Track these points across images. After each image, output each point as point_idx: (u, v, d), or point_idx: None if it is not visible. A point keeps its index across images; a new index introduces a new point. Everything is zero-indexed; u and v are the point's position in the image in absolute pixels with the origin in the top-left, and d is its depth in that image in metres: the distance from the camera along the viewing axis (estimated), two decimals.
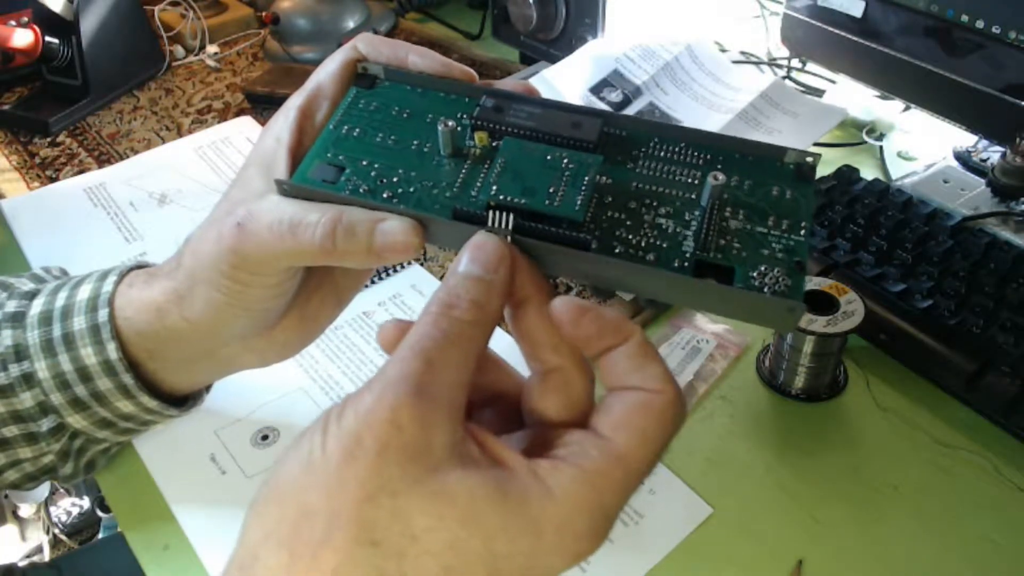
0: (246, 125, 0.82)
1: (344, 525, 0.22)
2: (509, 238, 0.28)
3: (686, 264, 0.29)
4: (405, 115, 0.34)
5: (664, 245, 0.30)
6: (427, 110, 0.34)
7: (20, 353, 0.39)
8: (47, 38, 0.81)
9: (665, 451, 0.25)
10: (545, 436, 0.26)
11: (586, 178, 0.30)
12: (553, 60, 0.79)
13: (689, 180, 0.32)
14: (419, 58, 0.35)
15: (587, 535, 0.24)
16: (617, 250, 0.29)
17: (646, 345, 0.26)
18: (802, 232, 0.30)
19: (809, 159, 0.32)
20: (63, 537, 1.27)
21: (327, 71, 0.36)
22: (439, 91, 0.35)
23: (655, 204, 0.31)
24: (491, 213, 0.29)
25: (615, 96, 0.73)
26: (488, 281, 0.26)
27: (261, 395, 0.52)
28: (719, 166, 0.32)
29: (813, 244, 0.58)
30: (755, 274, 0.29)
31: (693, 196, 0.31)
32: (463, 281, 0.26)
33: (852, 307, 0.48)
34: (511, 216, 0.29)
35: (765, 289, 0.28)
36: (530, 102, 0.33)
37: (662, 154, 0.32)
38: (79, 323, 0.39)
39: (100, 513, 1.24)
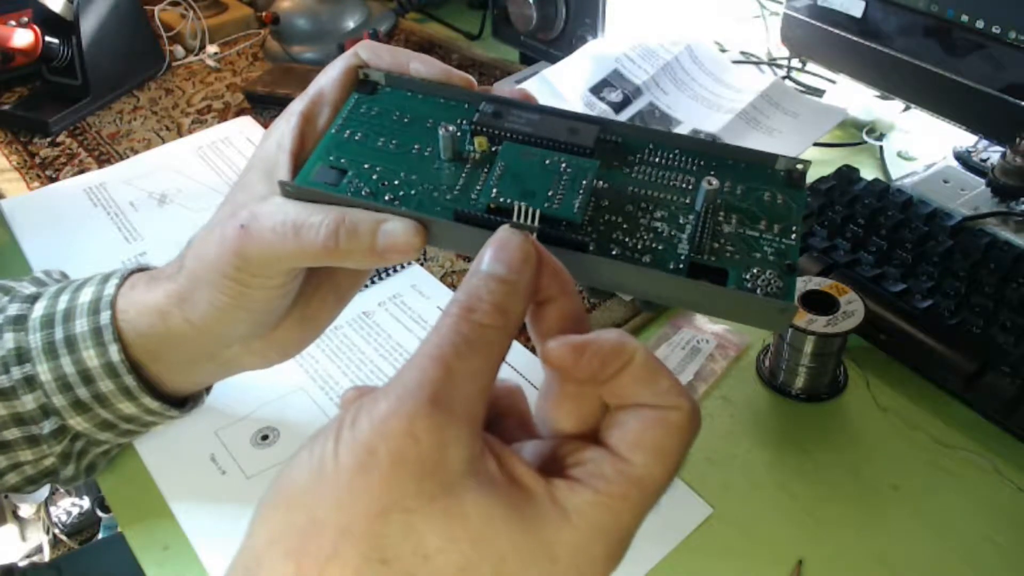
0: (246, 125, 0.82)
1: (354, 541, 0.21)
2: (535, 235, 0.28)
3: (681, 266, 0.30)
4: (406, 120, 0.35)
5: (660, 247, 0.30)
6: (427, 115, 0.35)
7: (22, 356, 0.40)
8: (47, 38, 0.81)
9: (682, 466, 0.24)
10: (559, 449, 0.25)
11: (583, 182, 0.30)
12: (553, 60, 0.79)
13: (683, 185, 0.32)
14: (420, 65, 0.36)
15: (603, 560, 0.23)
16: (614, 252, 0.30)
17: (651, 361, 0.24)
18: (793, 236, 0.30)
19: (799, 166, 0.32)
20: (63, 537, 1.27)
21: (329, 77, 0.36)
22: (439, 97, 0.36)
23: (651, 208, 0.31)
24: (517, 207, 0.29)
25: (615, 96, 0.73)
26: (512, 282, 0.24)
27: (261, 395, 0.52)
28: (712, 172, 0.32)
29: (814, 244, 0.58)
30: (748, 276, 0.29)
31: (687, 201, 0.32)
32: (485, 281, 0.24)
33: (852, 307, 0.48)
34: (537, 212, 0.29)
35: (757, 290, 0.29)
36: (528, 108, 0.34)
37: (657, 160, 0.33)
38: (81, 325, 0.39)
39: (100, 513, 1.24)
